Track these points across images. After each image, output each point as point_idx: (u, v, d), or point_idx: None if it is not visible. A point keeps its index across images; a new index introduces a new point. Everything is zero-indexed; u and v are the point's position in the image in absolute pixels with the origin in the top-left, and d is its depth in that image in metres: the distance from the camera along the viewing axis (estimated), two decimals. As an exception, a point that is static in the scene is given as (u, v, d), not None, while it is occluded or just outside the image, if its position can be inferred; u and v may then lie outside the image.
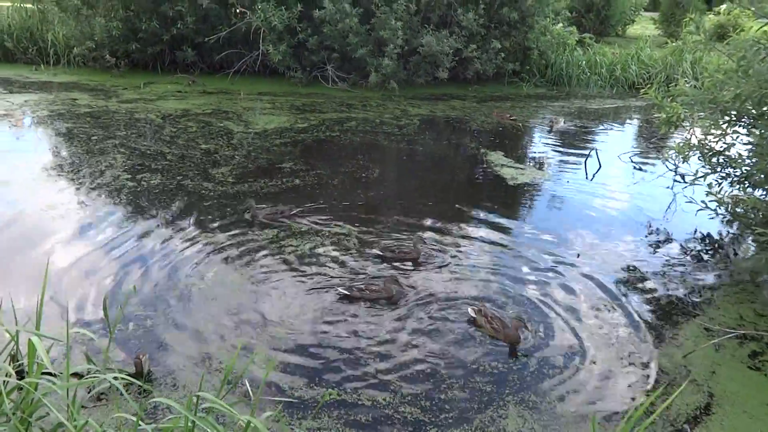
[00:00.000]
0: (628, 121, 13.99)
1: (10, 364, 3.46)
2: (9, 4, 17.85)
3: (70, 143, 9.65)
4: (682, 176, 7.58)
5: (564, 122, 12.66)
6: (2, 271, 5.57)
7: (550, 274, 6.02)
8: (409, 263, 6.13)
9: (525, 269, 6.11)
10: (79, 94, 13.21)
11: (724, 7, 20.11)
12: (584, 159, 9.97)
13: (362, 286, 5.50)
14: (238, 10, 14.99)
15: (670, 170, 9.00)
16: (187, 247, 6.23)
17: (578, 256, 6.45)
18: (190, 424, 2.80)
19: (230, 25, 14.95)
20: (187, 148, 9.58)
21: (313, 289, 5.56)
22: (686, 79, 10.30)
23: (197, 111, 12.14)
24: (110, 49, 15.29)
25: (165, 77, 15.41)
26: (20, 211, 6.89)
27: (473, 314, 5.07)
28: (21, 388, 2.98)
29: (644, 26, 28.25)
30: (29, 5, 17.25)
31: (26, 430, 2.77)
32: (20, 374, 3.65)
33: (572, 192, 8.54)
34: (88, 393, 3.92)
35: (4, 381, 2.60)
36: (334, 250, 6.34)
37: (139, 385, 4.03)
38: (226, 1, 15.04)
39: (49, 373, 3.32)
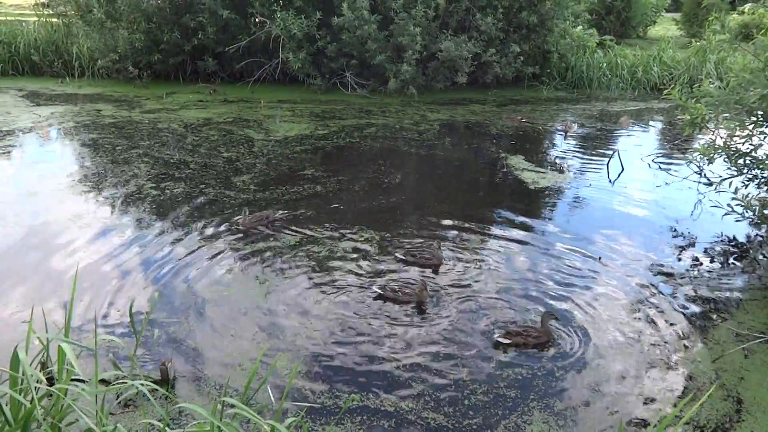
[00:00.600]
0: (650, 123, 13.81)
1: (40, 371, 3.53)
2: (35, 18, 18.29)
3: (95, 153, 9.83)
4: (708, 179, 7.46)
5: (577, 126, 12.47)
6: (31, 280, 5.69)
7: (574, 279, 5.96)
8: (430, 269, 6.11)
9: (548, 273, 6.06)
10: (103, 105, 13.46)
11: (748, 6, 19.79)
12: (606, 162, 9.87)
13: (396, 287, 5.53)
14: (257, 20, 15.16)
15: (695, 172, 8.86)
16: (211, 255, 6.30)
17: (599, 259, 6.38)
18: (216, 429, 2.82)
19: (250, 34, 15.12)
20: (209, 156, 9.70)
21: (334, 294, 5.58)
22: (711, 79, 10.13)
23: (218, 120, 12.28)
24: (133, 60, 15.56)
25: (186, 87, 15.63)
26: (48, 221, 7.04)
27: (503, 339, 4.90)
28: (51, 395, 3.04)
29: (666, 27, 27.89)
30: (54, 19, 17.64)
31: (56, 435, 2.82)
32: (49, 381, 3.71)
33: (594, 195, 8.46)
34: (116, 399, 3.98)
35: (35, 387, 2.65)
36: (356, 255, 6.36)
37: (165, 392, 4.08)
38: (245, 11, 15.22)
39: (78, 380, 3.38)
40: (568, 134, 12.07)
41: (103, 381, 4.03)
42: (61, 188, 8.15)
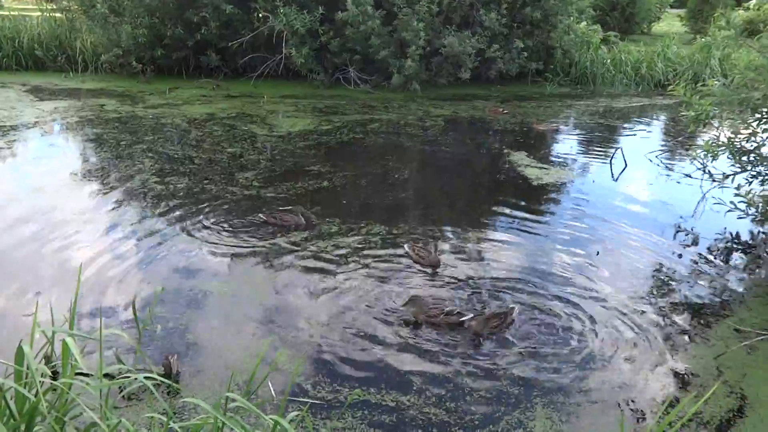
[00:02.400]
0: (654, 119, 13.78)
1: (44, 365, 3.54)
2: (38, 13, 18.29)
3: (99, 148, 9.85)
4: (711, 175, 7.45)
5: (556, 126, 12.10)
6: (36, 274, 5.72)
7: (576, 274, 5.96)
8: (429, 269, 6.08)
9: (549, 269, 6.06)
10: (106, 100, 13.47)
11: (753, 2, 19.72)
12: (609, 158, 9.85)
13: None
14: (260, 15, 15.14)
15: (699, 169, 8.83)
16: (215, 250, 6.32)
17: (597, 253, 6.39)
18: (219, 424, 2.84)
19: (253, 29, 15.11)
20: (213, 152, 9.71)
21: (338, 289, 5.59)
22: (716, 78, 10.08)
23: (222, 115, 12.29)
24: (136, 55, 15.55)
25: (190, 82, 15.63)
26: (52, 216, 7.06)
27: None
28: (55, 389, 3.05)
29: (670, 23, 27.81)
30: (58, 14, 17.65)
31: (61, 429, 2.84)
32: (53, 375, 3.73)
33: (598, 191, 8.45)
34: (119, 393, 4.00)
35: (40, 381, 2.67)
36: (361, 250, 6.36)
37: (168, 386, 4.10)
38: (249, 6, 15.21)
39: (83, 373, 3.40)
40: (546, 132, 11.83)
41: (106, 375, 4.04)
42: (66, 183, 8.18)
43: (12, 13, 18.96)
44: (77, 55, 16.45)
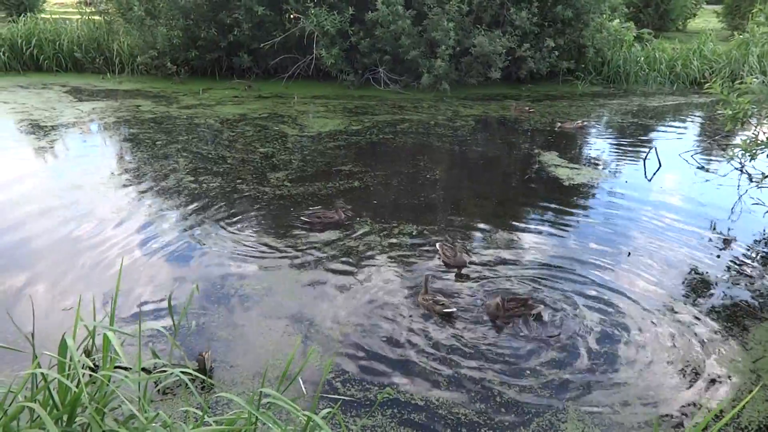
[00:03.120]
0: (689, 118, 13.49)
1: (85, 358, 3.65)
2: (78, 16, 18.80)
3: (136, 148, 10.09)
4: (749, 175, 7.26)
5: (580, 123, 11.83)
6: (77, 271, 5.89)
7: (609, 276, 5.88)
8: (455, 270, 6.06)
9: (582, 271, 6.00)
10: (142, 100, 13.78)
11: (794, -4, 19.10)
12: (643, 158, 9.69)
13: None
14: (291, 16, 15.30)
15: (736, 169, 8.64)
16: (248, 249, 6.42)
17: (629, 254, 6.31)
18: (253, 419, 2.90)
19: (284, 30, 15.28)
20: (246, 152, 9.86)
21: (369, 288, 5.63)
22: (755, 75, 9.83)
23: (254, 115, 12.46)
24: (171, 57, 15.88)
25: (222, 83, 15.88)
26: (92, 213, 7.26)
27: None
28: (95, 382, 3.15)
29: (706, 19, 27.16)
30: (97, 17, 18.11)
31: (101, 420, 2.93)
32: (92, 367, 3.85)
33: (631, 192, 8.32)
34: (155, 387, 4.10)
35: (81, 373, 2.76)
36: (392, 250, 6.39)
37: (202, 381, 4.19)
38: (280, 8, 15.39)
39: (121, 367, 3.50)
40: (568, 128, 11.69)
41: (144, 369, 4.15)
42: (104, 181, 8.40)
43: (53, 16, 19.52)
44: (114, 57, 16.86)
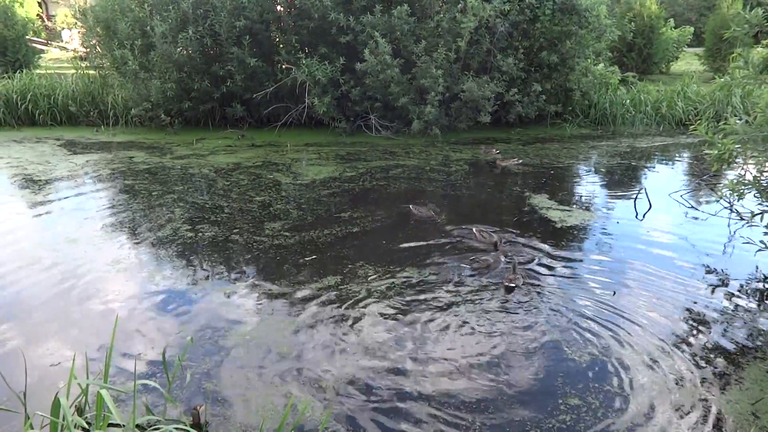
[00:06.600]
0: (677, 158, 13.72)
1: (77, 416, 3.60)
2: (73, 71, 19.13)
3: (132, 199, 10.13)
4: (739, 214, 7.35)
5: (515, 161, 12.43)
6: (70, 325, 5.84)
7: (602, 317, 5.88)
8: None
9: (575, 312, 6.00)
10: (136, 152, 13.91)
11: (771, 39, 19.72)
12: (633, 199, 9.81)
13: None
14: (283, 67, 15.65)
15: (725, 208, 8.75)
16: (243, 299, 6.40)
17: (614, 294, 6.35)
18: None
19: (276, 80, 15.59)
20: (241, 201, 9.92)
21: (365, 337, 5.60)
22: (738, 116, 10.07)
23: (248, 164, 12.58)
24: (165, 108, 16.11)
25: (216, 133, 16.08)
26: (86, 266, 7.24)
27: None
28: (89, 440, 3.11)
29: (688, 62, 27.89)
30: (92, 71, 18.44)
31: (95, 481, 2.87)
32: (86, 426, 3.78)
33: (623, 232, 8.39)
34: (150, 444, 4.02)
35: (75, 433, 2.73)
36: (392, 295, 6.38)
37: (198, 436, 4.12)
38: (272, 59, 15.74)
39: (115, 424, 3.45)
40: (502, 167, 12.14)
41: (137, 426, 4.08)
42: (99, 234, 8.40)
43: (48, 71, 19.86)
44: (109, 110, 17.09)
